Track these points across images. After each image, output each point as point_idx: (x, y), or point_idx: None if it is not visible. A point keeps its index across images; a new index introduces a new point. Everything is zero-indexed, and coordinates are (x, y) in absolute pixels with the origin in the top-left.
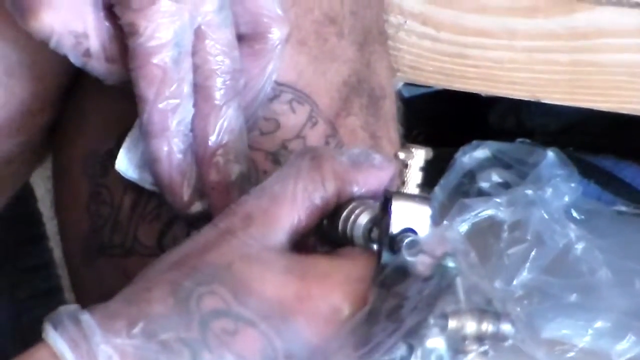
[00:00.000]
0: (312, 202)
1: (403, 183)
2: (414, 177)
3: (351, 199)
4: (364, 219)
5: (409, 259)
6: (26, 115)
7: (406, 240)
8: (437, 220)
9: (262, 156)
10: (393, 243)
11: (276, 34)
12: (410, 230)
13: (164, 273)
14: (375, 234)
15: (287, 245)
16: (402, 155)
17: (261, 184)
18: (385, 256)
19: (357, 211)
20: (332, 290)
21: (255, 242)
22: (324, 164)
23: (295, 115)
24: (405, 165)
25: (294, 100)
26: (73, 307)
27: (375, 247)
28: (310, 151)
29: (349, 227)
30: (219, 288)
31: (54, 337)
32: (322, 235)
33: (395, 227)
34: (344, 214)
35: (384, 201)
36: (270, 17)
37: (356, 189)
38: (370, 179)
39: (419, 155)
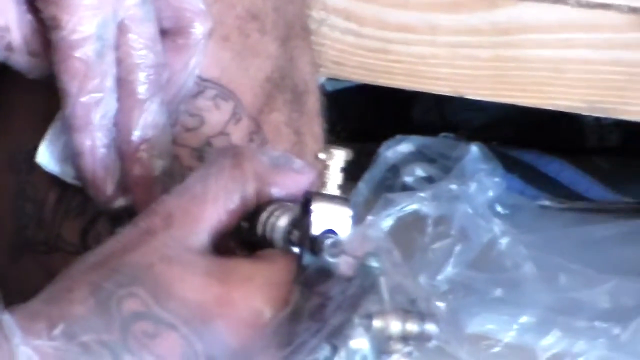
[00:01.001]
0: (233, 202)
1: (323, 184)
2: (334, 178)
3: (270, 201)
4: (283, 221)
5: (330, 260)
6: None
7: (327, 242)
8: (358, 220)
9: (187, 152)
10: (314, 245)
11: (199, 29)
12: (331, 232)
13: (85, 273)
14: (295, 236)
15: (208, 247)
16: (322, 156)
17: (183, 182)
18: (307, 258)
19: (276, 213)
20: (253, 293)
21: (175, 243)
22: (245, 163)
23: (219, 111)
24: (325, 166)
25: (218, 96)
26: None
27: (295, 249)
28: (232, 149)
29: (268, 229)
30: (139, 290)
31: None
32: (240, 238)
33: (315, 229)
34: (263, 216)
35: (304, 203)
36: (192, 11)
37: (275, 191)
38: (290, 182)
39: (339, 156)
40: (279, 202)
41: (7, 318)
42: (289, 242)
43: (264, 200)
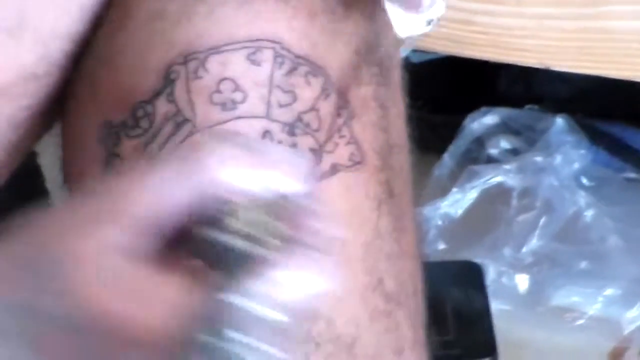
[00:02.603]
0: (175, 197)
1: None
2: None
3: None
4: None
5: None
6: (30, 78)
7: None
8: (442, 193)
9: (279, 127)
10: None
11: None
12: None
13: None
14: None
15: (140, 247)
16: None
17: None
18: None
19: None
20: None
21: (92, 239)
22: (202, 154)
23: (310, 87)
24: None
25: (309, 72)
26: None
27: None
28: (193, 143)
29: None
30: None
31: None
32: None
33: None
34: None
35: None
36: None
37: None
38: (273, 177)
39: None
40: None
41: None
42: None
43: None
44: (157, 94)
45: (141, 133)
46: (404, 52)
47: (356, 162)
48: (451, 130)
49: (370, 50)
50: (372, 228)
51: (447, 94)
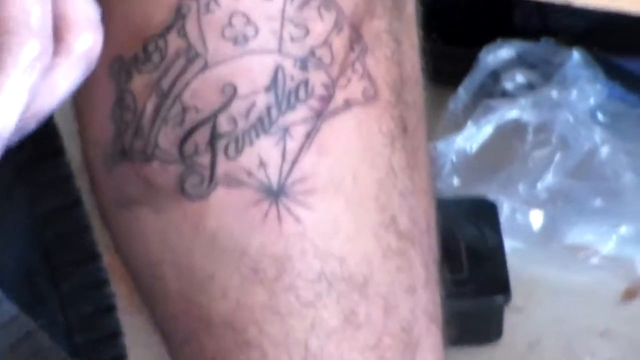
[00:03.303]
0: None
1: None
2: None
3: None
4: None
5: None
6: None
7: None
8: (456, 127)
9: (291, 62)
10: None
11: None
12: None
13: None
14: None
15: None
16: None
17: None
18: None
19: None
20: None
21: None
22: None
23: (322, 21)
24: None
25: (322, 6)
26: None
27: None
28: None
29: None
30: None
31: None
32: None
33: None
34: None
35: None
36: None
37: None
38: None
39: None
40: None
41: None
42: None
43: None
44: (168, 28)
45: (153, 68)
46: None
47: (369, 97)
48: (466, 63)
49: None
50: (385, 164)
51: (462, 26)
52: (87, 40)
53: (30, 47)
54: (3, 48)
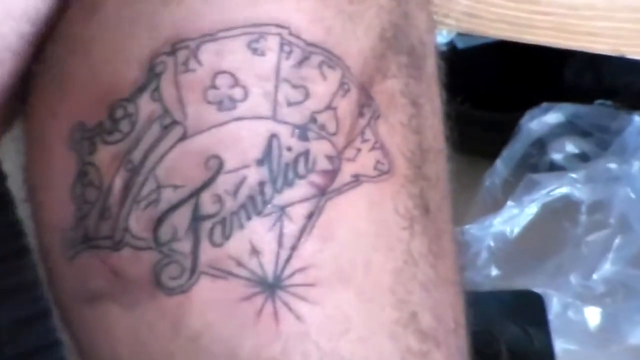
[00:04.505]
0: None
1: None
2: None
3: None
4: None
5: None
6: None
7: None
8: (496, 206)
9: (288, 131)
10: None
11: None
12: None
13: None
14: None
15: None
16: None
17: None
18: None
19: None
20: None
21: None
22: None
23: (325, 82)
24: None
25: (324, 63)
26: None
27: None
28: None
29: None
30: None
31: None
32: None
33: None
34: None
35: None
36: None
37: None
38: None
39: None
40: None
41: None
42: None
43: None
44: (139, 90)
45: (121, 138)
46: (446, 36)
47: (383, 172)
48: (505, 132)
49: (398, 36)
50: (402, 251)
51: (500, 87)
52: None
53: None
54: None
